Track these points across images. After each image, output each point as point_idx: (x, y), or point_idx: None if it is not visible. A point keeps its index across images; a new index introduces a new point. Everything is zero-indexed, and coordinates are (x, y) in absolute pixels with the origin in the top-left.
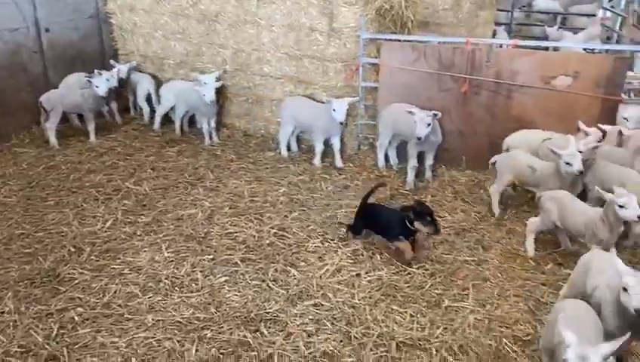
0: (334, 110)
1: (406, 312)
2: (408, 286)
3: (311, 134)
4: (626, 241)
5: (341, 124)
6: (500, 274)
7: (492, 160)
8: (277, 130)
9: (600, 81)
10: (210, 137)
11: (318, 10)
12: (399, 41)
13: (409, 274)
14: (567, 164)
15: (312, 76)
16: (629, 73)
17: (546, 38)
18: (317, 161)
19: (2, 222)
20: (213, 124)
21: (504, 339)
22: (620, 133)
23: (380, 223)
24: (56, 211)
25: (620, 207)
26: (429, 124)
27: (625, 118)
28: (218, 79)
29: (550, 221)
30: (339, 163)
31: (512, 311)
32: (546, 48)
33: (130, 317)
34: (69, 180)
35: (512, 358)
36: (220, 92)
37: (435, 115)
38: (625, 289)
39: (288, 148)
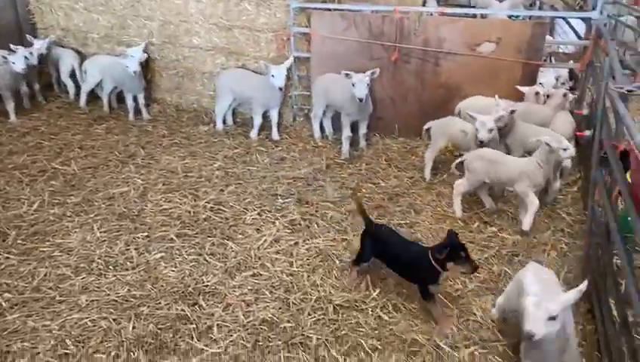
0: (273, 76)
1: (343, 276)
2: (346, 251)
3: (250, 106)
4: (546, 197)
5: (280, 90)
6: (431, 235)
7: (426, 126)
8: (210, 103)
9: (521, 46)
10: (140, 113)
11: None
12: (329, 10)
13: (346, 240)
14: (476, 130)
15: (243, 47)
16: (549, 38)
17: (472, 5)
18: (254, 133)
19: None
20: (142, 100)
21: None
22: (537, 93)
23: (397, 259)
24: None
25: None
26: (367, 85)
27: (540, 84)
28: (144, 51)
29: (477, 180)
30: (275, 135)
31: None
32: (474, 16)
33: (62, 299)
34: None
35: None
36: (148, 65)
37: (373, 73)
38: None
39: (224, 122)
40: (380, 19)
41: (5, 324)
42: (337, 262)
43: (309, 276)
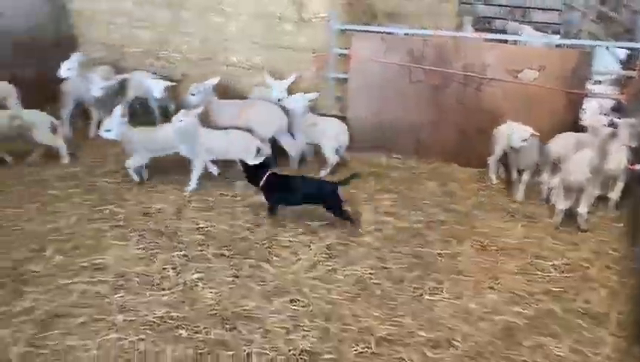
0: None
1: (385, 306)
2: (387, 281)
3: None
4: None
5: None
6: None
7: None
8: None
9: (565, 74)
10: None
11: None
12: (370, 32)
13: (386, 269)
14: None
15: (281, 66)
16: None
17: (504, 31)
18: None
19: None
20: None
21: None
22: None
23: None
24: (16, 207)
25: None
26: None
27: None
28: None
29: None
30: None
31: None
32: (515, 42)
33: (99, 317)
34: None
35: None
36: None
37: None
38: None
39: None
40: (421, 43)
41: (45, 340)
42: (378, 291)
43: (348, 305)
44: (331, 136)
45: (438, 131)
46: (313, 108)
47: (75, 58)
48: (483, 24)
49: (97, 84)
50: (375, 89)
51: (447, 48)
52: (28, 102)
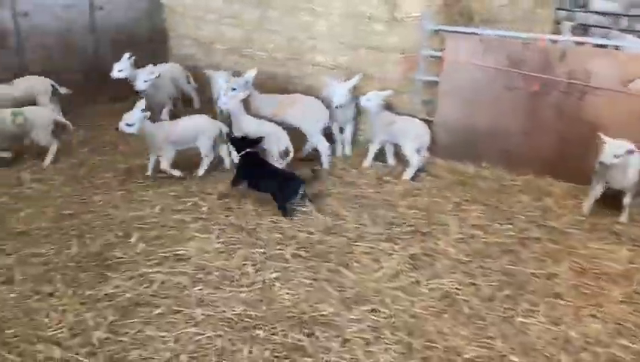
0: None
1: (473, 325)
2: (475, 298)
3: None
4: None
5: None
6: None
7: None
8: None
9: None
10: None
11: None
12: (466, 33)
13: (474, 285)
14: None
15: (367, 67)
16: None
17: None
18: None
19: (50, 200)
20: None
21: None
22: None
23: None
24: (104, 193)
25: None
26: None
27: None
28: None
29: None
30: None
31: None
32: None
33: (178, 309)
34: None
35: None
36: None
37: None
38: None
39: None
40: (522, 47)
41: (124, 328)
42: (465, 308)
43: (433, 321)
44: (412, 135)
45: (532, 141)
46: (390, 107)
47: (125, 58)
48: (581, 32)
49: (141, 78)
50: (467, 93)
51: (551, 53)
52: (118, 98)
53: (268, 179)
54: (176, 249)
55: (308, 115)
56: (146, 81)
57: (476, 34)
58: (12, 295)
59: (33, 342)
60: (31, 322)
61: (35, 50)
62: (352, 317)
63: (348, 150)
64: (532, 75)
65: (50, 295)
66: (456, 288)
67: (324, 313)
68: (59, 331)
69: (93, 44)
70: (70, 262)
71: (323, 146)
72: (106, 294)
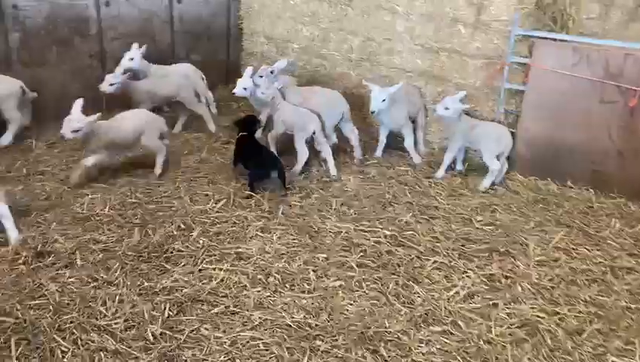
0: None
1: (559, 359)
2: (558, 328)
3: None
4: None
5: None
6: None
7: None
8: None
9: None
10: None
11: (466, 0)
12: (557, 40)
13: (558, 314)
14: None
15: (447, 72)
16: None
17: None
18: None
19: (115, 188)
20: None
21: None
22: None
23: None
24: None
25: None
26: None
27: None
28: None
29: None
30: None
31: None
32: None
33: (235, 310)
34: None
35: None
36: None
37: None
38: None
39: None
40: (622, 58)
41: (180, 324)
42: (549, 340)
43: (512, 350)
44: (494, 137)
45: (627, 162)
46: (469, 114)
47: (135, 47)
48: None
49: (108, 80)
50: (555, 104)
51: None
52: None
53: (252, 158)
54: (237, 246)
55: (326, 106)
56: (112, 85)
57: (568, 41)
58: (72, 279)
59: (87, 330)
60: (87, 309)
61: (114, 39)
62: (420, 337)
63: (416, 159)
64: (631, 89)
65: (109, 283)
66: (538, 316)
67: (390, 330)
68: (114, 321)
69: (170, 36)
70: (130, 251)
71: (353, 134)
72: (164, 287)
